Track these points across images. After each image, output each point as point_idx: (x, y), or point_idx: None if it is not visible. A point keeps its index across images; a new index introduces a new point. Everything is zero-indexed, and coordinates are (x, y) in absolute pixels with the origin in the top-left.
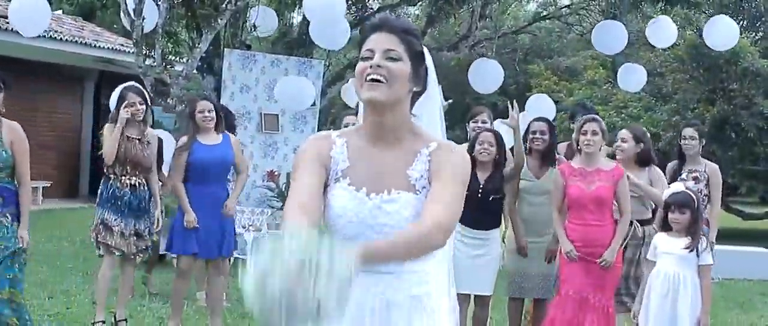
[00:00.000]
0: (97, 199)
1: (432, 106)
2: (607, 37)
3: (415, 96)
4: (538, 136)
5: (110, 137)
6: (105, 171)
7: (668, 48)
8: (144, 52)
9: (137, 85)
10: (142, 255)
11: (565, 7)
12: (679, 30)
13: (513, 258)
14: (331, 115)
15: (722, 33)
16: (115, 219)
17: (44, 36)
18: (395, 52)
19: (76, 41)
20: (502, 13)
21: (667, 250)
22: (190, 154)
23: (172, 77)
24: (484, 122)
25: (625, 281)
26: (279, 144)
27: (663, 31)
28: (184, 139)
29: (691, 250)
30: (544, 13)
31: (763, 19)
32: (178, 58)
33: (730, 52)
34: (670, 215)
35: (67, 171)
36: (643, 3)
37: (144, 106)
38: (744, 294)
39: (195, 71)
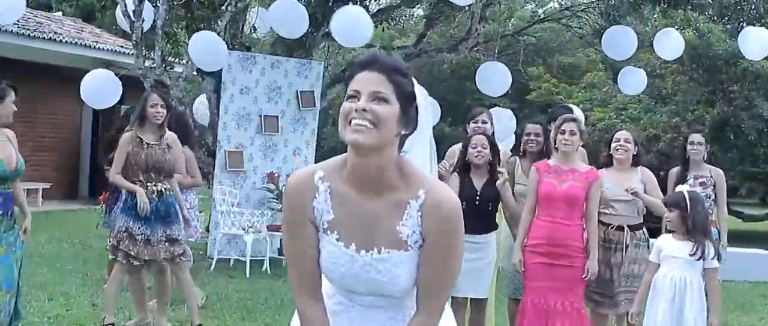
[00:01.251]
0: (121, 206)
1: (422, 140)
2: (617, 42)
3: (404, 137)
4: (532, 137)
5: (120, 155)
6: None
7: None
8: (144, 53)
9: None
10: (182, 260)
11: (565, 9)
12: (679, 31)
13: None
14: (330, 117)
15: (758, 43)
16: (140, 228)
17: (44, 37)
18: (383, 93)
19: (76, 43)
20: (507, 18)
21: (674, 254)
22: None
23: (172, 79)
24: (484, 122)
25: (611, 283)
26: (279, 145)
27: (670, 43)
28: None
29: (698, 258)
30: (543, 15)
31: (763, 20)
32: (177, 60)
33: (730, 53)
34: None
35: (67, 173)
36: (642, 5)
37: (164, 111)
38: (744, 295)
39: (195, 73)
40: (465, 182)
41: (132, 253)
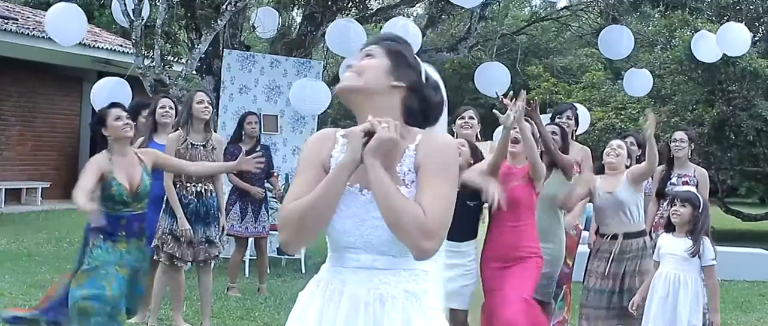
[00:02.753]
0: (163, 206)
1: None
2: (614, 42)
3: (409, 97)
4: (467, 120)
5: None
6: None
7: (667, 49)
8: (143, 52)
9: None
10: (214, 262)
11: (564, 8)
12: (677, 31)
13: None
14: (329, 116)
15: (734, 39)
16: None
17: (43, 37)
18: (370, 52)
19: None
20: (504, 16)
21: (670, 251)
22: None
23: (171, 78)
24: (471, 118)
25: (612, 295)
26: (278, 145)
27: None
28: (173, 135)
29: (694, 255)
30: (543, 14)
31: (762, 19)
32: (177, 59)
33: None
34: (672, 207)
35: (67, 172)
36: (642, 4)
37: (210, 107)
38: (743, 294)
39: (194, 72)
40: None
41: (176, 254)
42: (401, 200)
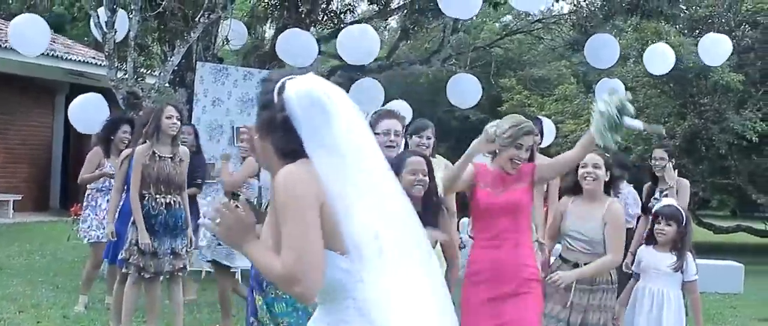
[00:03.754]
0: (132, 219)
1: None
2: (600, 50)
3: (273, 139)
4: (424, 140)
5: (137, 170)
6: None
7: (639, 62)
8: (116, 64)
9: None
10: (181, 274)
11: (537, 21)
12: (650, 43)
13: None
14: None
15: (715, 49)
16: (150, 240)
17: (15, 49)
18: (247, 131)
19: (47, 54)
20: (476, 28)
21: (654, 266)
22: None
23: (144, 90)
24: (429, 138)
25: None
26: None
27: (660, 57)
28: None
29: (677, 270)
30: (516, 27)
31: (733, 33)
32: (149, 71)
33: (701, 66)
34: (656, 225)
35: (39, 185)
36: (614, 16)
37: (179, 123)
38: (715, 307)
39: (167, 84)
40: None
41: (141, 265)
42: (264, 262)
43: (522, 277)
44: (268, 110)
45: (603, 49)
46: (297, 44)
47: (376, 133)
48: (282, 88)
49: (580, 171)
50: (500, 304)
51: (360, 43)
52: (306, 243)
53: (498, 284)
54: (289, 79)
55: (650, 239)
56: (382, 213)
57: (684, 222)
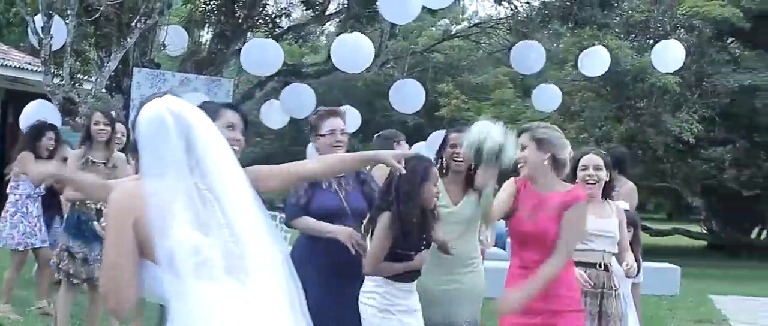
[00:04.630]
0: (64, 224)
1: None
2: (526, 57)
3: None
4: (457, 150)
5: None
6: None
7: (576, 67)
8: (52, 70)
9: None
10: None
11: (474, 25)
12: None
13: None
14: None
15: (669, 56)
16: (80, 246)
17: None
18: None
19: None
20: (412, 32)
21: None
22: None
23: (81, 96)
24: (343, 132)
25: None
26: None
27: (597, 59)
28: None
29: (633, 275)
30: (454, 31)
31: (669, 37)
32: (86, 77)
33: (637, 69)
34: None
35: None
36: (551, 22)
37: (109, 129)
38: (651, 309)
39: (104, 90)
40: None
41: (71, 272)
42: None
43: (550, 310)
44: (133, 132)
45: (529, 55)
46: (260, 54)
47: (321, 134)
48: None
49: (581, 173)
50: None
51: (354, 51)
52: (114, 262)
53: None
54: (148, 102)
55: None
56: (215, 231)
57: (637, 224)
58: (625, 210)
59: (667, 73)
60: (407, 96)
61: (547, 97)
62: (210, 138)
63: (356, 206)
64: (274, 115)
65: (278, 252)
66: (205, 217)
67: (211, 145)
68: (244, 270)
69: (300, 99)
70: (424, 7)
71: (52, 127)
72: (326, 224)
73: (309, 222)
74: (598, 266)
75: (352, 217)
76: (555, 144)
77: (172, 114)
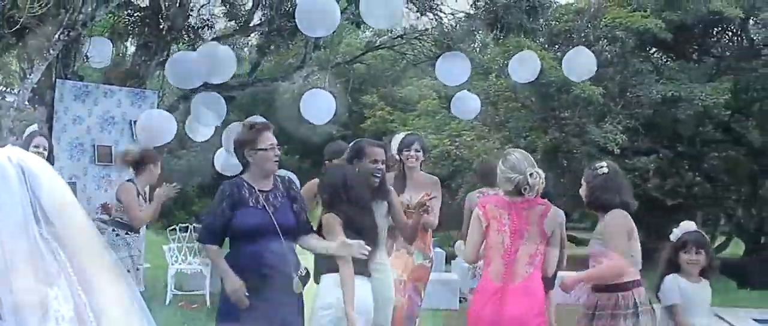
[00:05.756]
0: None
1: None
2: (451, 68)
3: None
4: (412, 153)
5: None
6: None
7: (501, 76)
8: None
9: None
10: None
11: (399, 37)
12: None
13: None
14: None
15: (581, 64)
16: None
17: None
18: None
19: None
20: (337, 44)
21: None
22: None
23: (3, 109)
24: (417, 151)
25: None
26: (113, 176)
27: (528, 64)
28: None
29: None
30: (378, 42)
31: (593, 47)
32: (8, 90)
33: (562, 80)
34: (685, 256)
35: None
36: (476, 32)
37: (45, 153)
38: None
39: (26, 102)
40: None
41: None
42: None
43: None
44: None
45: (454, 66)
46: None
47: (260, 149)
48: None
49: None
50: None
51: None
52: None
53: None
54: None
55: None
56: (61, 281)
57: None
58: None
59: (587, 82)
60: (317, 106)
61: (467, 105)
62: (54, 186)
63: (284, 222)
64: (200, 126)
65: (130, 293)
66: (50, 267)
67: (56, 193)
68: (94, 316)
69: (210, 106)
70: (348, 19)
71: None
72: (227, 268)
73: (212, 254)
74: None
75: (282, 234)
76: None
77: (14, 164)
